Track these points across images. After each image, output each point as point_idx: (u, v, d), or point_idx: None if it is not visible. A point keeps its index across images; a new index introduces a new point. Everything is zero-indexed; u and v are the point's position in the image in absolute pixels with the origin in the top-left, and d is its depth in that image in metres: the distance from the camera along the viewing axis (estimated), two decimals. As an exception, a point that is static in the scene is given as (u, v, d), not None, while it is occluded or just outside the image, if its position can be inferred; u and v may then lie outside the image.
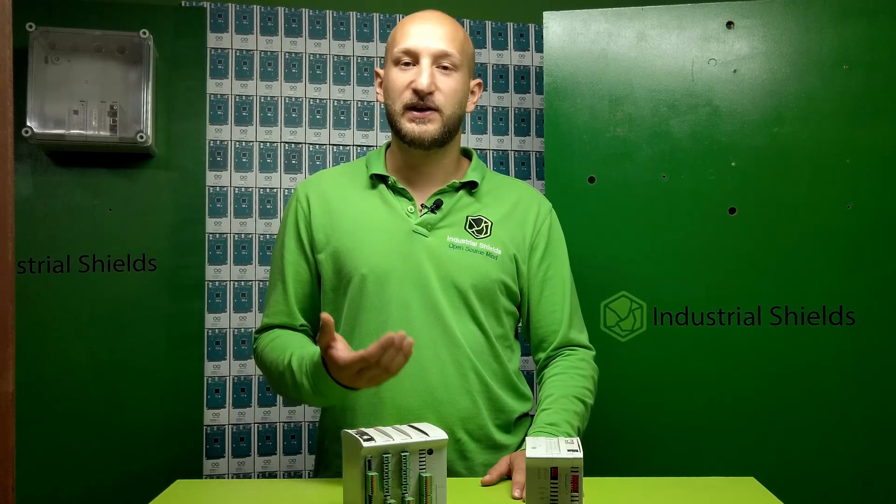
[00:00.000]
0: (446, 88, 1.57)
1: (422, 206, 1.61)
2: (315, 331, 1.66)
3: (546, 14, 2.22)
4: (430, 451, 1.21)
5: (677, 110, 2.17)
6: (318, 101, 2.55)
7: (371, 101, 2.58)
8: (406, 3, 2.59)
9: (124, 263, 2.39)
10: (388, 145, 1.70)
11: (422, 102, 1.55)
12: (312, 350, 1.45)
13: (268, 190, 2.51)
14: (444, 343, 1.55)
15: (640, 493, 1.38)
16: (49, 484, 2.31)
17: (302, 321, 1.64)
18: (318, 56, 2.56)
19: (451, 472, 1.54)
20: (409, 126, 1.56)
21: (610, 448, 2.11)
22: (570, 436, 1.46)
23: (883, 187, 2.10)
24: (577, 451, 1.16)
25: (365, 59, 2.58)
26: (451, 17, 1.62)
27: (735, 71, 2.15)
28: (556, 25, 2.22)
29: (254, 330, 1.64)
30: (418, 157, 1.62)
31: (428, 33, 1.57)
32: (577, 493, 1.14)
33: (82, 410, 2.34)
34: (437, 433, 1.23)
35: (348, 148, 2.56)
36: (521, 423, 1.66)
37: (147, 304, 2.40)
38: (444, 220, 1.60)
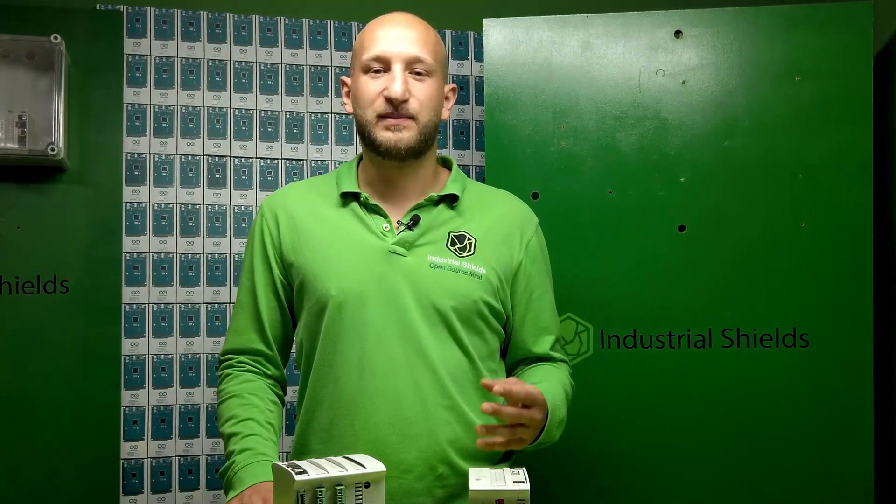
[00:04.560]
0: (421, 95, 1.53)
1: (398, 222, 1.56)
2: (286, 351, 1.66)
3: (486, 21, 2.20)
4: (367, 485, 1.18)
5: (624, 123, 2.16)
6: (243, 111, 2.48)
7: (300, 112, 2.51)
8: (326, 8, 2.56)
9: (34, 285, 2.30)
10: (360, 159, 1.65)
11: (395, 111, 1.51)
12: (246, 446, 1.47)
13: (189, 206, 2.42)
14: (423, 371, 1.50)
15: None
16: (-51, 527, 2.21)
17: (270, 347, 1.61)
18: (244, 63, 2.48)
19: None
20: (384, 135, 1.51)
21: (556, 478, 2.11)
22: (555, 402, 1.47)
23: (837, 204, 2.11)
24: (523, 482, 1.16)
25: (294, 66, 2.52)
26: (421, 19, 1.59)
27: (684, 82, 2.15)
28: (496, 33, 2.20)
29: (219, 352, 1.66)
30: (392, 169, 1.57)
31: (398, 37, 1.52)
32: (523, 526, 1.13)
33: (-13, 444, 2.24)
34: (374, 465, 1.20)
35: (276, 161, 2.49)
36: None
37: (59, 328, 2.31)
38: (423, 238, 1.55)
